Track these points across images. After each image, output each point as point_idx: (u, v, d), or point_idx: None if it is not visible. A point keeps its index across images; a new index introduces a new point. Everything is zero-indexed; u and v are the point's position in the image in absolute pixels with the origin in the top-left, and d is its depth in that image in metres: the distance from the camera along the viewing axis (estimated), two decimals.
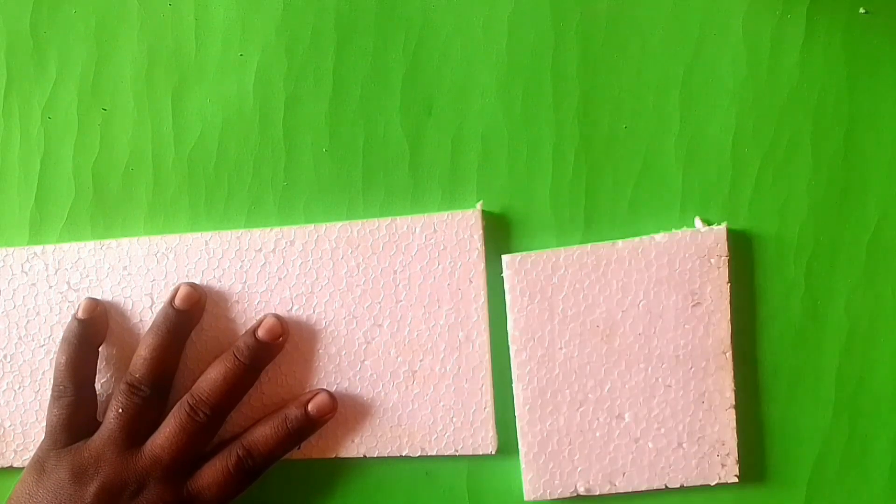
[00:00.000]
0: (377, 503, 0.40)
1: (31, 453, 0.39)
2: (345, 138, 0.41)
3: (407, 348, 0.40)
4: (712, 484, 0.38)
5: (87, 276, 0.41)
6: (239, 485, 0.38)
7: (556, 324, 0.39)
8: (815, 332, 0.39)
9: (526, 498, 0.39)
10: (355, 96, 0.41)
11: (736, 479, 0.38)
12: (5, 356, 0.41)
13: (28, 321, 0.41)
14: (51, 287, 0.41)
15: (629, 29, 0.40)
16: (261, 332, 0.39)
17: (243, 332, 0.40)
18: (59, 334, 0.40)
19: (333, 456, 0.40)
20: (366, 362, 0.40)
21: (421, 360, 0.40)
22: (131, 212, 0.42)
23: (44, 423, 0.39)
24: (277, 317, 0.39)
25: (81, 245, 0.41)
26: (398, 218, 0.40)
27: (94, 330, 0.39)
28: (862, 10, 0.39)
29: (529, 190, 0.40)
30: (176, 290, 0.39)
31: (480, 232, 0.39)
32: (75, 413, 0.38)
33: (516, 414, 0.39)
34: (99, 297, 0.40)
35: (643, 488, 0.38)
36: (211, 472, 0.37)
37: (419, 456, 0.40)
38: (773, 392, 0.39)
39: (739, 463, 0.38)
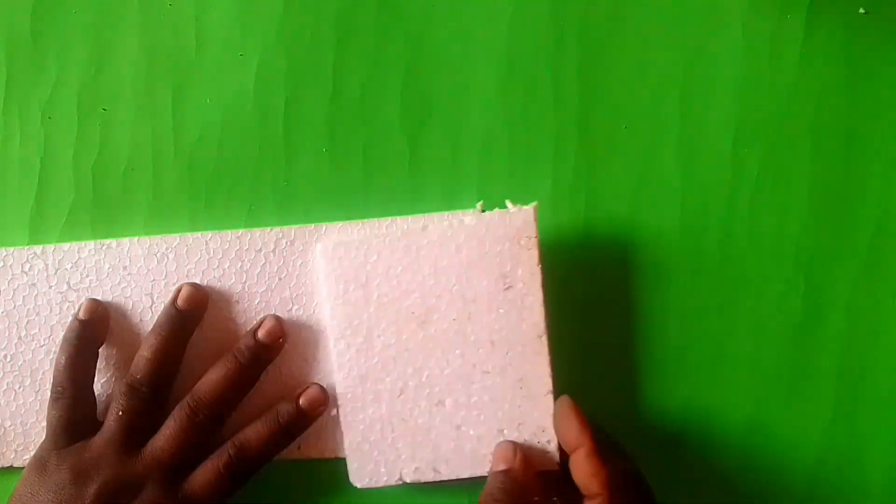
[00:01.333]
0: (377, 503, 0.40)
1: (32, 453, 0.39)
2: (345, 138, 0.41)
3: None
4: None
5: (87, 276, 0.41)
6: (232, 484, 0.37)
7: (373, 311, 0.38)
8: (815, 332, 0.39)
9: (353, 484, 0.38)
10: (355, 96, 0.41)
11: (557, 467, 0.37)
12: (5, 356, 0.41)
13: (28, 321, 0.41)
14: (51, 287, 0.41)
15: (629, 29, 0.40)
16: (261, 334, 0.39)
17: (243, 332, 0.40)
18: (60, 334, 0.40)
19: (333, 456, 0.40)
20: None
21: None
22: (131, 212, 0.42)
23: (44, 423, 0.39)
24: (277, 318, 0.39)
25: (81, 245, 0.41)
26: (398, 218, 0.40)
27: (95, 331, 0.39)
28: (862, 10, 0.39)
29: (529, 190, 0.40)
30: (178, 290, 0.39)
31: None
32: (75, 414, 0.38)
33: (338, 403, 0.38)
34: (99, 298, 0.40)
35: (467, 475, 0.37)
36: (203, 473, 0.37)
37: None
38: (773, 392, 0.39)
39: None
